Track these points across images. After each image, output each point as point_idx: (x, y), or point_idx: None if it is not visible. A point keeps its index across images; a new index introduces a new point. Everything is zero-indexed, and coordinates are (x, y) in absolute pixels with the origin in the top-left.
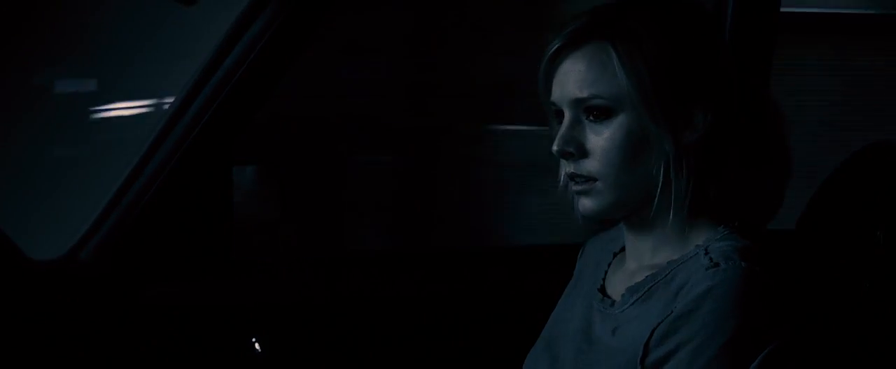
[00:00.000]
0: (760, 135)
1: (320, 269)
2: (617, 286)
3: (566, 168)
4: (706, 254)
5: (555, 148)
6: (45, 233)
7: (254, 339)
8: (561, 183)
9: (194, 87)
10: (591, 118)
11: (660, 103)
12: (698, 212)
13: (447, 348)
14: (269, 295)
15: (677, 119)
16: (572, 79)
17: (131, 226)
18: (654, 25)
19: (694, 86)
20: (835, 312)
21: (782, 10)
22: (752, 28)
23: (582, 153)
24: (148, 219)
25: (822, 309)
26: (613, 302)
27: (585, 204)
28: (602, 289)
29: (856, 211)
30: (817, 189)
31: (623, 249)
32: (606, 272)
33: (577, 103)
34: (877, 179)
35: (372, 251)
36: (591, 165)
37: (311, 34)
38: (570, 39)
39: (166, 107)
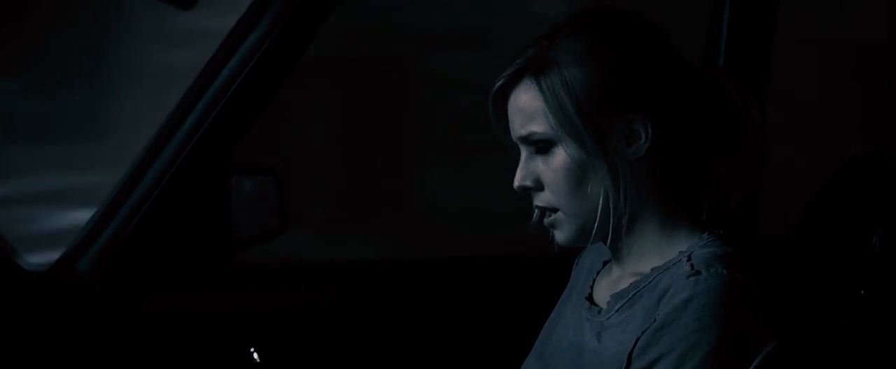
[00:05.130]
0: (722, 127)
1: (319, 278)
2: (603, 293)
3: (533, 201)
4: (689, 260)
5: (515, 184)
6: None
7: (252, 349)
8: (533, 218)
9: (192, 95)
10: (536, 151)
11: (587, 128)
12: (677, 217)
13: (445, 358)
14: (268, 304)
15: (611, 137)
16: (516, 117)
17: (130, 235)
18: (576, 50)
19: (626, 98)
20: (830, 319)
21: None
22: (749, 31)
23: (539, 186)
24: (147, 228)
25: (818, 316)
26: (600, 309)
27: (557, 235)
28: (590, 297)
29: (852, 217)
30: (814, 195)
31: None
32: (595, 280)
33: (523, 140)
34: (873, 186)
35: (369, 259)
36: (548, 197)
37: (310, 42)
38: (510, 78)
39: None
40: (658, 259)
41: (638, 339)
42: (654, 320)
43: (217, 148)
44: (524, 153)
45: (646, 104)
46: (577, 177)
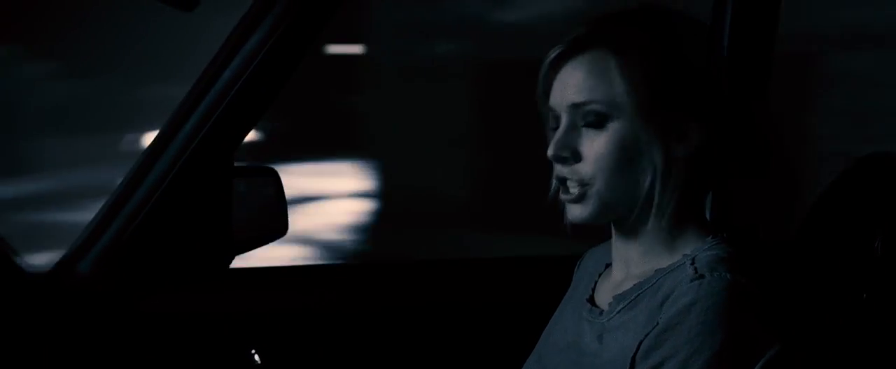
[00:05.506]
0: (755, 147)
1: (320, 279)
2: (605, 295)
3: (559, 173)
4: (692, 263)
5: (550, 152)
6: None
7: (253, 350)
8: (552, 191)
9: (194, 96)
10: (587, 124)
11: (653, 114)
12: (686, 221)
13: (446, 359)
14: (269, 305)
15: (670, 131)
16: (571, 84)
17: (131, 236)
18: (654, 37)
19: (689, 99)
20: (832, 323)
21: None
22: (751, 36)
23: (576, 158)
24: (148, 230)
25: (819, 320)
26: (601, 311)
27: (575, 210)
28: (591, 299)
29: (854, 221)
30: (816, 199)
31: None
32: (596, 282)
33: (575, 108)
34: (876, 189)
35: (370, 260)
36: (584, 169)
37: (312, 44)
38: (572, 46)
39: None
40: (663, 261)
41: (640, 342)
42: (657, 323)
43: (219, 149)
44: (565, 122)
45: (702, 109)
46: (627, 156)
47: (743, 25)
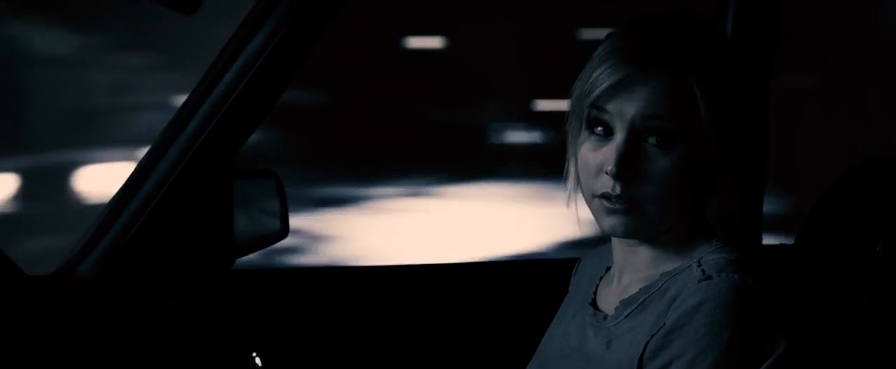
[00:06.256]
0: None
1: (321, 281)
2: (609, 299)
3: (607, 188)
4: (699, 266)
5: (612, 169)
6: None
7: (254, 354)
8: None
9: (195, 98)
10: (654, 142)
11: (723, 139)
12: (695, 226)
13: (446, 361)
14: (270, 307)
15: (729, 153)
16: (646, 97)
17: (132, 239)
18: (723, 58)
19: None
20: (834, 326)
21: None
22: (753, 36)
23: (637, 176)
24: (149, 232)
25: (822, 323)
26: (606, 316)
27: (615, 221)
28: (593, 303)
29: (856, 224)
30: (817, 202)
31: None
32: (598, 286)
33: (643, 121)
34: (877, 192)
35: (371, 264)
36: (642, 190)
37: (313, 46)
38: (650, 59)
39: None
40: (670, 264)
41: (647, 343)
42: (664, 324)
43: (220, 152)
44: (626, 136)
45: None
46: (690, 177)
47: (744, 29)
